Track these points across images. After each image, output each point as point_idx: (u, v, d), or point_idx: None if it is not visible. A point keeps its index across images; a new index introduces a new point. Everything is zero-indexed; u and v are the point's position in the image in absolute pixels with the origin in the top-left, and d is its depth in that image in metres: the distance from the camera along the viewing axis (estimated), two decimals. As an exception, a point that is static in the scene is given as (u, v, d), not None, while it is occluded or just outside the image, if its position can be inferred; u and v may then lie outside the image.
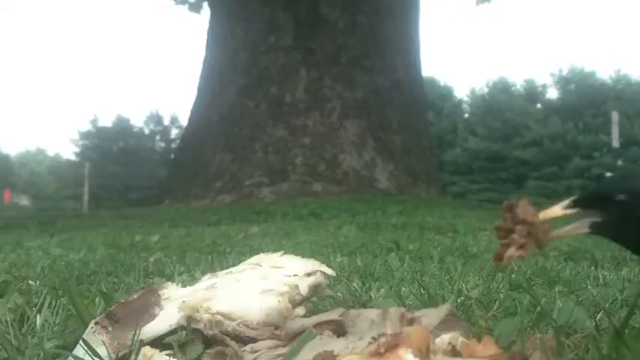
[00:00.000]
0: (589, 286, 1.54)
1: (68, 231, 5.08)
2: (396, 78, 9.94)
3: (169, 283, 1.14)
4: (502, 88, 36.45)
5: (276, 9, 9.69)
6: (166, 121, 38.75)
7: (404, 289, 1.49)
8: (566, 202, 0.79)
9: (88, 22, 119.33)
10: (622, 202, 0.76)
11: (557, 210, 0.78)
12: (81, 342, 0.90)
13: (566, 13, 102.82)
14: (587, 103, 32.24)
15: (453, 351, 0.73)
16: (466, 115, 38.44)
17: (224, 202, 8.68)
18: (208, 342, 0.93)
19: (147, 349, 0.86)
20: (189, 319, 0.94)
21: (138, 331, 0.91)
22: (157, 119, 38.76)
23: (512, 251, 0.78)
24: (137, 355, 0.87)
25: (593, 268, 2.04)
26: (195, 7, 12.74)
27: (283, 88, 9.46)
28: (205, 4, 12.55)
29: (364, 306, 1.29)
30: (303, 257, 1.18)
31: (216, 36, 10.56)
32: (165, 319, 0.97)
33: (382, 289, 1.52)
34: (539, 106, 36.09)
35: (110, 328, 0.93)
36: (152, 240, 3.41)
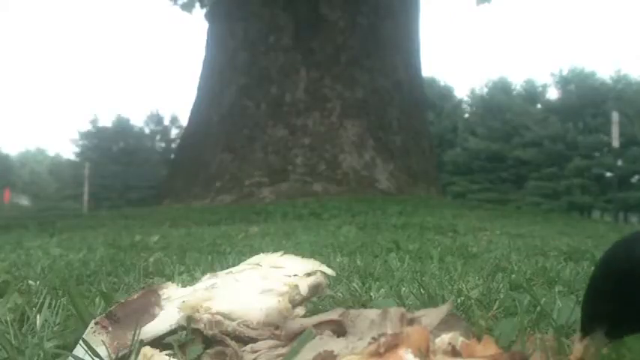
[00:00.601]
0: (589, 286, 1.53)
1: (68, 231, 5.08)
2: (396, 78, 9.94)
3: (169, 283, 1.14)
4: (502, 88, 36.45)
5: (276, 9, 9.69)
6: (166, 121, 38.81)
7: (404, 289, 1.49)
8: (576, 336, 0.79)
9: (88, 22, 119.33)
10: (609, 317, 0.75)
11: (578, 348, 0.77)
12: (81, 342, 0.90)
13: (566, 13, 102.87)
14: (588, 103, 32.25)
15: (453, 351, 0.73)
16: (466, 115, 38.45)
17: (224, 202, 8.68)
18: (208, 342, 0.93)
19: (147, 349, 0.86)
20: (189, 319, 0.94)
21: (138, 331, 0.91)
22: (157, 119, 38.79)
23: None
24: (137, 355, 0.87)
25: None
26: (187, 7, 12.75)
27: (283, 88, 9.46)
28: (197, 4, 12.57)
29: (364, 306, 1.29)
30: (303, 257, 1.18)
31: (216, 36, 10.56)
32: (165, 319, 0.97)
33: (382, 289, 1.52)
34: (539, 106, 36.11)
35: (110, 328, 0.93)
36: (152, 240, 3.41)
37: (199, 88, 10.59)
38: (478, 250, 2.68)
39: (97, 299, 1.31)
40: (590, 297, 0.77)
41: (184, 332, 0.93)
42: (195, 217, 6.37)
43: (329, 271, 1.15)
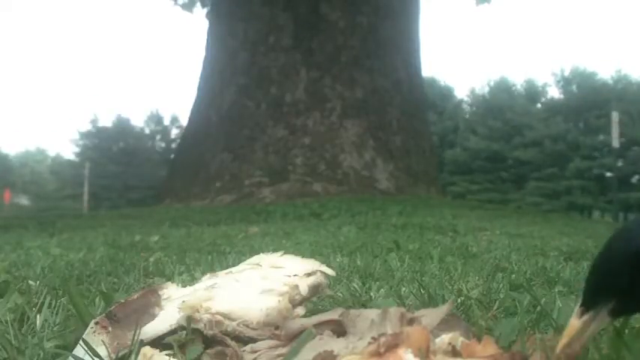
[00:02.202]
0: (589, 286, 1.53)
1: (68, 231, 5.08)
2: (396, 78, 9.94)
3: (169, 283, 1.14)
4: (503, 88, 36.45)
5: (276, 9, 9.69)
6: (166, 121, 38.81)
7: (404, 289, 1.49)
8: (576, 310, 0.76)
9: (88, 22, 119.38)
10: (623, 287, 0.72)
11: (575, 324, 0.74)
12: (81, 342, 0.90)
13: (566, 13, 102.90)
14: (590, 103, 32.23)
15: (453, 351, 0.73)
16: (467, 116, 38.45)
17: (224, 202, 8.68)
18: (208, 342, 0.93)
19: (147, 349, 0.86)
20: (189, 319, 0.94)
21: (138, 331, 0.91)
22: (157, 119, 38.80)
23: None
24: (137, 355, 0.87)
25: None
26: (188, 7, 12.78)
27: (283, 88, 9.46)
28: (198, 4, 12.61)
29: (364, 306, 1.28)
30: (303, 257, 1.18)
31: (216, 36, 10.56)
32: (165, 319, 0.97)
33: (382, 289, 1.52)
34: (539, 106, 36.12)
35: (110, 328, 0.93)
36: (152, 240, 3.41)
37: (199, 88, 10.59)
38: (478, 250, 2.68)
39: (97, 299, 1.31)
40: (599, 268, 0.74)
41: (184, 332, 0.93)
42: (195, 217, 6.37)
43: (329, 271, 1.15)
